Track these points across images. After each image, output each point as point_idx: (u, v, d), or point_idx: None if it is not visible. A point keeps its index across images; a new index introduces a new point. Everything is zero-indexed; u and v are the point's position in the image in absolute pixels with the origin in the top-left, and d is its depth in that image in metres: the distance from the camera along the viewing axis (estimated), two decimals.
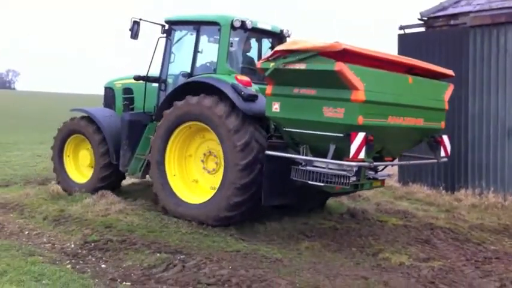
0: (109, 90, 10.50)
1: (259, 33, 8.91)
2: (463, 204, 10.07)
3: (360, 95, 6.10)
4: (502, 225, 8.61)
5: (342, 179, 6.44)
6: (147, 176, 8.96)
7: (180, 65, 8.92)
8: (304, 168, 6.73)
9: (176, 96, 8.27)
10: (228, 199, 7.48)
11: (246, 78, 7.89)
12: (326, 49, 6.25)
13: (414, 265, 6.40)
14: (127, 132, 9.25)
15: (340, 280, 5.72)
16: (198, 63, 8.63)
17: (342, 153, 6.32)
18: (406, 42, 11.93)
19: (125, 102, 9.79)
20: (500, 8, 10.76)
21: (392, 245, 7.17)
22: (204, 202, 7.81)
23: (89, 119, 9.77)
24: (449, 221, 8.73)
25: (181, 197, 8.13)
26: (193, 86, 8.12)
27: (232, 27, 8.22)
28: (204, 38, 8.73)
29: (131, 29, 8.82)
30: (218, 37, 8.29)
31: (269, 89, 6.95)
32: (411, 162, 8.56)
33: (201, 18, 8.68)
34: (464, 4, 11.55)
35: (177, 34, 9.01)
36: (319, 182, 6.60)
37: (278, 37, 9.09)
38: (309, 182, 6.69)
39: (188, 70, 8.62)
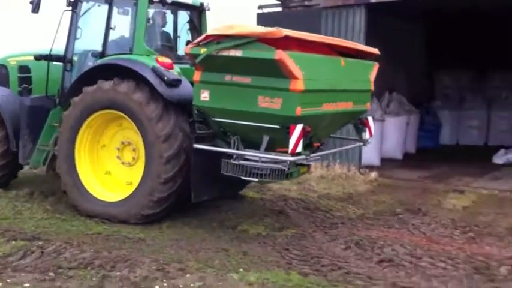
0: (1, 68, 9.17)
1: (177, 6, 8.11)
2: (313, 176, 10.81)
3: (299, 84, 5.77)
4: (346, 194, 9.46)
5: (277, 173, 6.19)
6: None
7: (89, 42, 7.96)
8: (236, 162, 6.30)
9: (86, 79, 7.35)
10: (151, 195, 6.85)
11: (167, 60, 7.18)
12: (265, 36, 5.84)
13: (270, 234, 6.84)
14: (27, 119, 8.11)
15: (203, 253, 5.97)
16: (110, 41, 7.71)
17: (274, 144, 6.11)
18: (264, 21, 12.46)
19: (23, 84, 8.61)
20: None
21: (250, 218, 7.57)
22: (123, 199, 7.11)
23: None
24: (301, 192, 9.39)
25: (96, 195, 7.35)
26: (106, 68, 7.27)
27: (150, 1, 7.41)
28: (116, 12, 7.74)
29: (31, 1, 7.83)
30: (134, 12, 7.38)
31: (197, 75, 6.36)
32: (342, 148, 8.52)
33: None
34: None
35: (84, 6, 7.97)
36: (254, 176, 6.27)
37: (198, 11, 8.34)
38: (243, 178, 6.33)
39: (99, 48, 7.67)
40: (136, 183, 7.09)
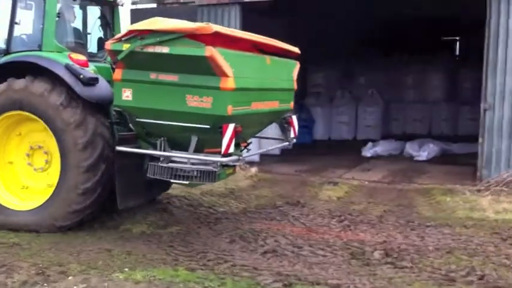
0: None
1: (88, 0, 7.55)
2: None
3: (229, 82, 5.52)
4: (228, 190, 9.60)
5: (207, 175, 5.88)
6: None
7: None
8: (164, 164, 5.94)
9: None
10: (66, 206, 6.33)
11: (82, 57, 6.69)
12: (195, 31, 5.50)
13: (154, 232, 6.76)
14: None
15: (85, 255, 5.76)
16: (14, 37, 7.03)
17: (202, 145, 5.88)
18: (138, 16, 12.19)
19: None
20: None
21: (133, 217, 7.38)
22: (36, 208, 6.54)
23: None
24: (183, 189, 9.34)
25: (3, 202, 6.71)
26: (13, 65, 6.59)
27: None
28: (19, 6, 7.04)
29: None
30: (42, 5, 6.77)
31: (118, 73, 5.92)
32: (270, 148, 8.23)
33: None
34: None
35: None
36: (184, 179, 5.94)
37: (110, 6, 7.81)
38: (172, 181, 6.09)
39: (1, 45, 7.03)
40: (34, 191, 6.69)
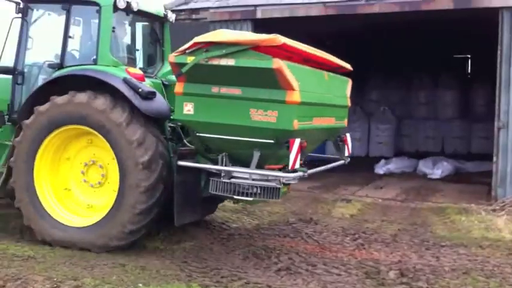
0: None
1: (140, 16, 7.41)
2: None
3: (295, 96, 5.35)
4: (241, 205, 9.48)
5: (272, 192, 5.69)
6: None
7: (41, 52, 7.21)
8: (227, 180, 5.77)
9: (46, 91, 6.51)
10: (122, 226, 6.15)
11: (138, 71, 6.62)
12: (263, 43, 5.36)
13: (168, 248, 6.74)
14: None
15: (98, 270, 5.74)
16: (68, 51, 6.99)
17: (263, 161, 5.70)
18: None
19: None
20: (236, 6, 11.82)
21: (146, 232, 7.39)
22: (89, 226, 6.37)
23: None
24: None
25: (57, 217, 6.54)
26: (69, 79, 6.46)
27: (115, 8, 6.72)
28: (74, 20, 7.00)
29: None
30: (97, 20, 6.70)
31: (180, 86, 5.77)
32: (327, 166, 7.43)
33: None
34: (205, 0, 12.37)
35: (36, 14, 7.21)
36: (248, 196, 5.72)
37: (160, 22, 7.72)
38: (235, 197, 5.85)
39: (54, 59, 7.00)
40: (98, 208, 6.54)
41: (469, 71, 20.54)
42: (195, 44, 5.60)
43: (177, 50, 5.78)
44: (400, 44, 16.95)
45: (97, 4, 6.70)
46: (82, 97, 6.26)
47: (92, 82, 6.32)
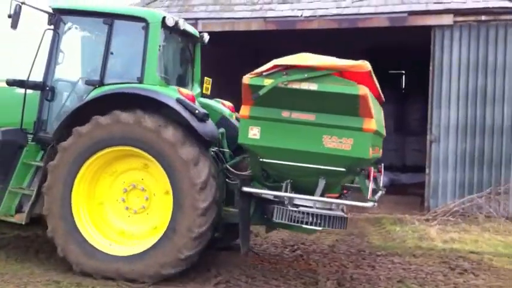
0: None
1: (179, 34, 6.98)
2: None
3: (372, 124, 5.20)
4: None
5: (340, 221, 5.51)
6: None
7: (74, 67, 6.82)
8: (295, 209, 5.51)
9: (85, 110, 6.08)
10: (178, 252, 5.76)
11: (189, 92, 6.33)
12: (351, 69, 5.23)
13: None
14: None
15: (32, 287, 5.57)
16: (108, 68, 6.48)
17: (326, 189, 5.53)
18: None
19: None
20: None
21: None
22: (135, 255, 5.91)
23: None
24: None
25: (98, 246, 6.05)
26: (108, 98, 6.05)
27: (163, 25, 6.37)
28: (117, 36, 6.49)
29: (10, 15, 6.30)
30: (142, 37, 6.31)
31: (246, 110, 5.49)
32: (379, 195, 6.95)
33: (116, 11, 6.50)
34: (158, 7, 12.10)
35: (70, 27, 6.75)
36: (317, 225, 5.51)
37: (195, 42, 7.39)
38: (304, 226, 5.58)
39: (90, 76, 6.62)
40: (135, 235, 6.18)
41: (404, 86, 21.28)
42: (275, 66, 5.37)
43: (253, 72, 5.50)
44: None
45: (144, 20, 6.34)
46: (129, 117, 5.87)
47: (133, 101, 5.96)
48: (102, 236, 6.16)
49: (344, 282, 6.15)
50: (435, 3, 10.75)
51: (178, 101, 6.01)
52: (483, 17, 10.40)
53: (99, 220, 6.23)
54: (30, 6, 6.55)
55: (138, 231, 6.22)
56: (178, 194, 5.81)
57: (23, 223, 6.36)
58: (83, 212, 6.13)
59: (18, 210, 6.47)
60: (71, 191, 6.04)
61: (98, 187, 6.25)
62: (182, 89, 6.41)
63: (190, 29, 7.10)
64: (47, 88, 6.59)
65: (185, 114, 5.89)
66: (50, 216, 6.10)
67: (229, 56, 14.40)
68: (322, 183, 5.43)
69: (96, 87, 6.35)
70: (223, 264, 6.72)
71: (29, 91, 6.66)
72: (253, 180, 5.98)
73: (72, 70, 6.89)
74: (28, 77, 6.55)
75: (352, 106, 5.16)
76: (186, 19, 7.14)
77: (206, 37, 7.41)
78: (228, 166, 6.20)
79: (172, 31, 6.68)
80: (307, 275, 6.40)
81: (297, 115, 5.35)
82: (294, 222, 5.54)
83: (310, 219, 5.49)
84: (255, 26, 11.69)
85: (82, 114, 6.07)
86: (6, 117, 6.72)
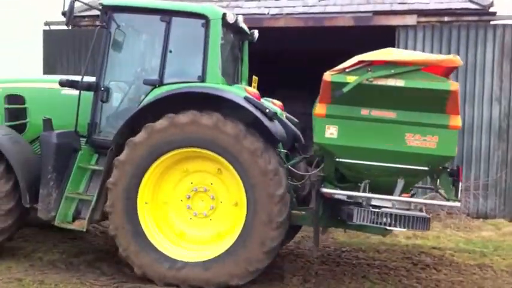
0: None
1: (233, 32, 6.72)
2: None
3: (458, 121, 5.02)
4: None
5: (423, 222, 5.26)
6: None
7: (129, 67, 6.56)
8: (377, 210, 5.30)
9: (148, 110, 5.82)
10: (248, 264, 5.54)
11: (255, 91, 6.05)
12: (442, 63, 5.05)
13: (68, 261, 6.54)
14: (54, 161, 6.09)
15: None
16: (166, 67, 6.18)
17: (404, 189, 5.37)
18: (51, 38, 12.18)
19: (17, 118, 6.76)
20: None
21: (43, 245, 7.11)
22: (204, 262, 5.68)
23: None
24: None
25: (163, 250, 5.78)
26: (174, 98, 5.77)
27: (224, 22, 6.12)
28: (175, 34, 6.18)
29: (64, 13, 6.16)
30: (201, 35, 6.04)
31: (322, 108, 5.27)
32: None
33: (174, 7, 6.18)
34: None
35: (123, 24, 6.38)
36: (399, 227, 5.28)
37: (243, 39, 7.14)
38: (388, 228, 5.40)
39: (147, 75, 6.30)
40: (199, 240, 5.96)
41: None
42: (359, 62, 5.15)
43: (334, 69, 5.28)
44: (302, 62, 17.33)
45: (204, 17, 6.08)
46: (209, 120, 5.59)
47: (196, 101, 5.71)
48: (164, 237, 5.92)
49: (310, 278, 6.18)
50: (399, 3, 10.94)
51: (248, 100, 5.78)
52: (446, 18, 10.63)
53: (161, 221, 5.99)
54: (83, 3, 6.50)
55: (199, 236, 6.00)
56: (253, 204, 5.58)
57: (84, 230, 6.12)
58: (147, 211, 5.88)
59: (76, 216, 6.21)
60: (138, 188, 5.78)
61: (164, 185, 5.99)
62: (248, 88, 6.23)
63: (245, 26, 6.85)
64: (102, 89, 6.33)
65: (258, 114, 5.66)
66: (114, 214, 5.83)
67: None
68: (401, 183, 5.30)
69: (155, 87, 6.09)
70: None
71: (76, 92, 6.39)
72: (325, 180, 5.77)
73: (125, 70, 6.64)
74: (82, 78, 6.35)
75: (440, 102, 5.01)
76: None
77: (256, 35, 7.20)
78: (290, 167, 6.00)
79: (230, 28, 6.47)
80: (273, 271, 6.40)
81: (377, 113, 5.18)
82: (376, 223, 5.36)
83: (393, 220, 5.31)
84: None
85: (141, 115, 5.87)
86: (59, 120, 6.45)
